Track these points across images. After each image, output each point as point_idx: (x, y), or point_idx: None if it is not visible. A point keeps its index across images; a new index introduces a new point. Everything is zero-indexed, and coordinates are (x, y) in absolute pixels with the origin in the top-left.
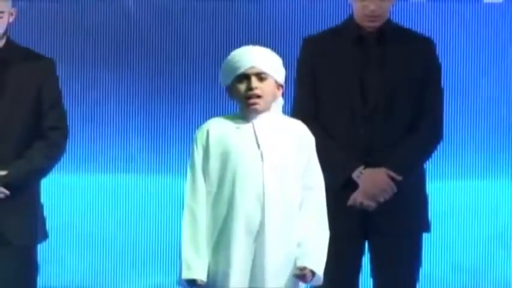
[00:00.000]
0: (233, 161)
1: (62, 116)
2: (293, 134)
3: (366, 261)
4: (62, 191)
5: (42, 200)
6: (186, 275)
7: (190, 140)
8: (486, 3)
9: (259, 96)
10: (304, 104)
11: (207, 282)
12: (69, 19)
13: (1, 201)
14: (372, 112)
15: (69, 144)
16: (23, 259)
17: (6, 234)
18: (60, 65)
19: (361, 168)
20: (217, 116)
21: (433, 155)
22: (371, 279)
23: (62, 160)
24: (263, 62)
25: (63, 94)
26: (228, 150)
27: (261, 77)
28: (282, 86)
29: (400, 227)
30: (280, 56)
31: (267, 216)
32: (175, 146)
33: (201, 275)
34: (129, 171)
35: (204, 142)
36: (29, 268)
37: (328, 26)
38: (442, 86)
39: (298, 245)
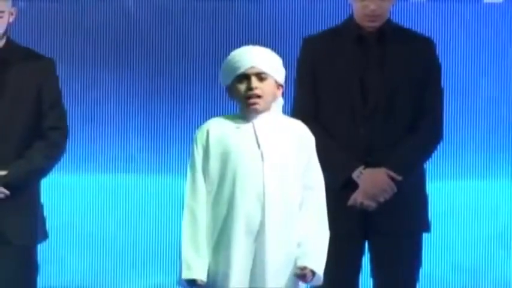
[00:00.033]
0: (233, 161)
1: (62, 116)
2: (293, 134)
3: (366, 261)
4: (62, 191)
5: (42, 200)
6: (186, 275)
7: (191, 140)
8: (486, 3)
9: (259, 96)
10: (304, 104)
11: (207, 282)
12: (69, 19)
13: (1, 201)
14: (372, 112)
15: (69, 144)
16: (23, 259)
17: (6, 234)
18: (60, 64)
19: (361, 168)
20: (217, 116)
21: (433, 155)
22: (371, 279)
23: (62, 160)
24: (263, 62)
25: (63, 94)
26: (228, 150)
27: (261, 77)
28: (282, 86)
29: (400, 227)
30: (280, 56)
31: (267, 216)
32: (175, 146)
33: (201, 275)
34: (129, 171)
35: (204, 142)
36: (29, 268)
37: (328, 26)
38: (442, 86)
39: (299, 244)
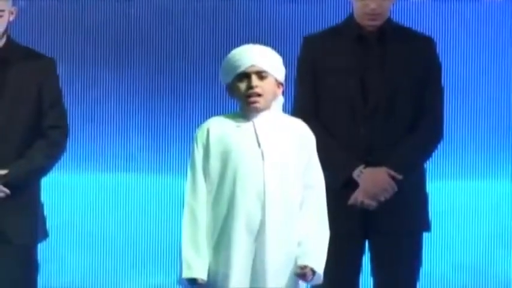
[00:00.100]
0: (234, 159)
1: (63, 115)
2: (294, 133)
3: (366, 260)
4: (62, 190)
5: (42, 199)
6: (186, 274)
7: (191, 139)
8: (486, 2)
9: (259, 95)
10: (304, 103)
11: (207, 281)
12: (69, 18)
13: (1, 201)
14: (373, 111)
15: (70, 143)
16: (23, 258)
17: (6, 233)
18: (61, 64)
19: (361, 168)
20: (217, 114)
21: (433, 154)
22: (371, 278)
23: (62, 159)
24: (263, 60)
25: (63, 93)
26: (228, 149)
27: (261, 75)
28: (282, 85)
29: (401, 226)
30: (281, 54)
31: (267, 215)
32: (175, 145)
33: (201, 274)
34: (129, 170)
35: (204, 141)
36: (29, 267)
37: (329, 25)
38: (443, 85)
39: (299, 244)
